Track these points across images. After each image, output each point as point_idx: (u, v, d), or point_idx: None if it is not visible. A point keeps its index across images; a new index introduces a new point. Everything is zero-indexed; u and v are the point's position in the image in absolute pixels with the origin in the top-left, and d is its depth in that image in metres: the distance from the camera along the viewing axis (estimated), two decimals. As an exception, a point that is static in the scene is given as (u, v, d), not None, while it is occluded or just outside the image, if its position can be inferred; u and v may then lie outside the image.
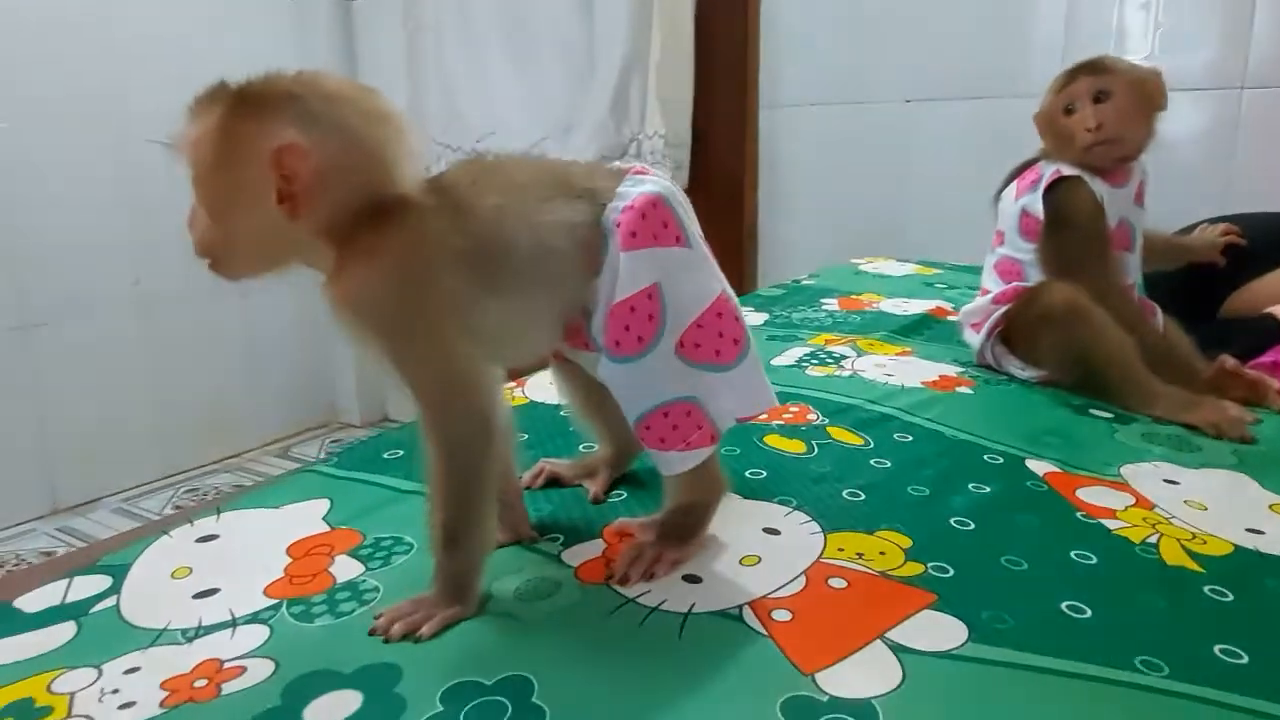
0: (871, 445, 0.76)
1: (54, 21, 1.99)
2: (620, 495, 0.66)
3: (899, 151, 2.00)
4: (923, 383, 0.95)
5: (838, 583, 0.52)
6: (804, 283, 1.54)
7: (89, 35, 2.06)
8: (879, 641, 0.46)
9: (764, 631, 0.47)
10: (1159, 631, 0.49)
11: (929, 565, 0.55)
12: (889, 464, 0.72)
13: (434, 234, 0.48)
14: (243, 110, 0.45)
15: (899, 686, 0.43)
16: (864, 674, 0.43)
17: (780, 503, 0.63)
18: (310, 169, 0.44)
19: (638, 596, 0.50)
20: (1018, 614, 0.50)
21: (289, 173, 0.44)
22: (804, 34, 2.06)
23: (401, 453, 0.76)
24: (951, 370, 1.01)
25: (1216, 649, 0.48)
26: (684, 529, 0.55)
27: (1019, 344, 1.03)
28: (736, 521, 0.59)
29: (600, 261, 0.52)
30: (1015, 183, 1.03)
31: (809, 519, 0.60)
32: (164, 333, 2.26)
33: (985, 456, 0.75)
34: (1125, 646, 0.47)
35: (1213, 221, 1.21)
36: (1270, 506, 0.69)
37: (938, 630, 0.48)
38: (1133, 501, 0.68)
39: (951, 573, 0.54)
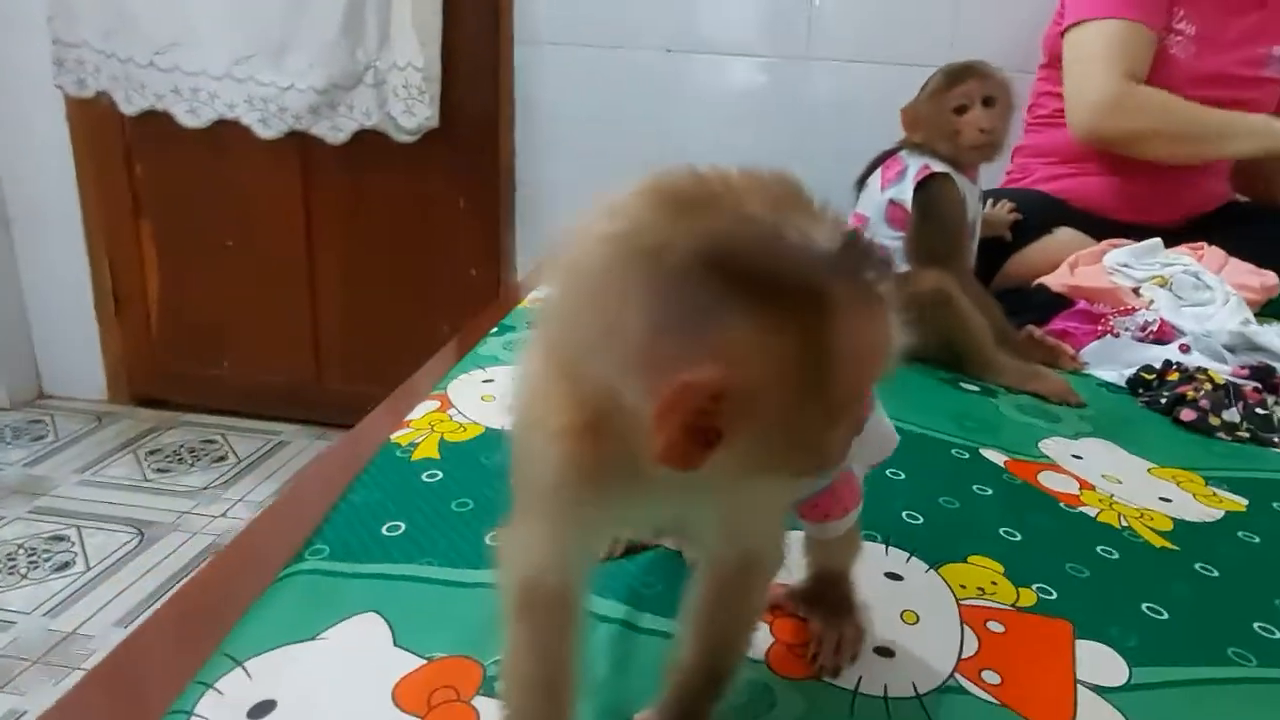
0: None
1: None
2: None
3: (660, 101, 2.02)
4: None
5: (996, 627, 0.55)
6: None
7: None
8: (1080, 687, 0.50)
9: (994, 700, 0.48)
10: (1215, 618, 0.59)
11: (1034, 588, 0.59)
12: (889, 470, 0.76)
13: None
14: None
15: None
16: (1101, 727, 0.47)
17: (867, 538, 0.64)
18: None
19: (857, 687, 0.48)
20: (1128, 627, 0.56)
21: None
22: (561, -33, 1.97)
23: (403, 526, 0.62)
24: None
25: (1255, 625, 0.59)
26: (842, 598, 0.53)
27: None
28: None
29: None
30: (880, 171, 1.11)
31: (908, 554, 0.62)
32: None
33: (953, 451, 0.83)
34: (1213, 642, 0.56)
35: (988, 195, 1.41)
36: (1149, 471, 0.86)
37: (1099, 661, 0.52)
38: (1078, 485, 0.79)
39: (1055, 595, 0.59)
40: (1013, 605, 0.57)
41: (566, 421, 0.32)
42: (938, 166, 1.05)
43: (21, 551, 1.76)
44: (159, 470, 2.11)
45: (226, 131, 2.15)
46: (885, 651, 0.51)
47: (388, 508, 0.65)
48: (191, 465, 2.14)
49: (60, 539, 1.81)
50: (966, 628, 0.54)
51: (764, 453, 0.29)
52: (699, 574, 0.43)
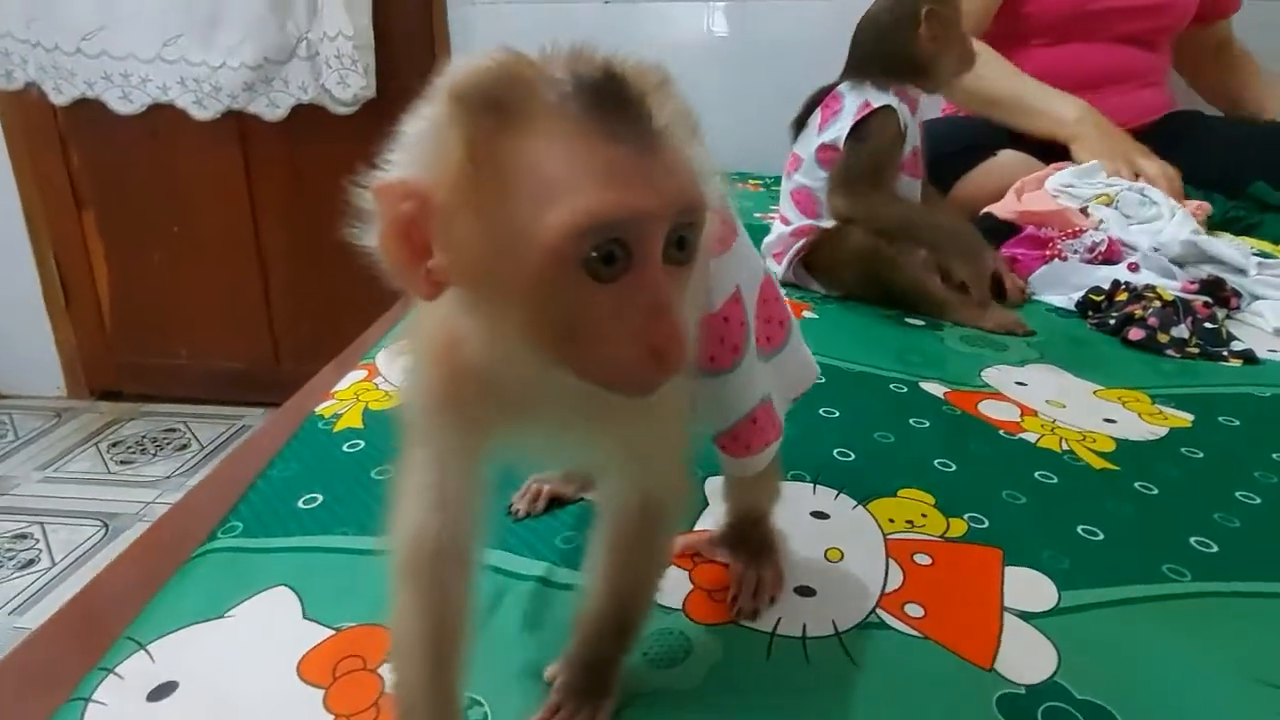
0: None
1: None
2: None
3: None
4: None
5: (922, 559, 0.53)
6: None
7: None
8: (1008, 615, 0.49)
9: (917, 633, 0.47)
10: (1151, 536, 0.58)
11: (965, 518, 0.58)
12: (822, 409, 0.75)
13: None
14: None
15: (1060, 659, 0.46)
16: (1026, 654, 0.46)
17: (794, 478, 0.62)
18: None
19: (775, 628, 0.47)
20: (1060, 549, 0.55)
21: None
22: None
23: (320, 498, 0.60)
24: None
25: (1192, 540, 0.58)
26: (763, 540, 0.52)
27: (820, 272, 1.11)
28: (776, 511, 0.57)
29: None
30: (819, 111, 1.08)
31: (836, 491, 0.61)
32: None
33: (891, 386, 0.81)
34: (1147, 560, 0.55)
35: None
36: (1094, 393, 0.85)
37: (1028, 586, 0.51)
38: (1019, 412, 0.78)
39: (987, 523, 0.58)
40: (941, 536, 0.56)
41: (430, 337, 0.35)
42: (879, 100, 1.02)
43: (-15, 553, 1.74)
44: (122, 462, 2.08)
45: (162, 115, 2.10)
46: (806, 591, 0.50)
47: (306, 480, 0.63)
48: (154, 455, 2.11)
49: (23, 537, 1.79)
50: (892, 561, 0.53)
51: (477, 283, 0.30)
52: (601, 520, 0.41)
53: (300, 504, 0.60)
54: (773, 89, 1.86)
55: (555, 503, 0.59)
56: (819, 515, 0.58)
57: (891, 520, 0.57)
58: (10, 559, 1.72)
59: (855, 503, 0.59)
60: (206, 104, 2.05)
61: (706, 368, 0.45)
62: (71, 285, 2.35)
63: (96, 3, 1.99)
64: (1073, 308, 1.10)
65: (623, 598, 0.42)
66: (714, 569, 0.51)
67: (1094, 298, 1.08)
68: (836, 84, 1.07)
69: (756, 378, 0.48)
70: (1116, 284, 1.08)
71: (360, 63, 1.92)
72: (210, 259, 2.26)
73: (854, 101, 1.03)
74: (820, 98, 1.08)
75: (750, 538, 0.51)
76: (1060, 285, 1.14)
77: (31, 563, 1.70)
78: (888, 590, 0.50)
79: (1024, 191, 1.33)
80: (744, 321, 0.46)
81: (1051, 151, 1.38)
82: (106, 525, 1.82)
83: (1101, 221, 1.22)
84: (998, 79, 1.39)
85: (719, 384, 0.46)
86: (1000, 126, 1.43)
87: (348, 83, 1.94)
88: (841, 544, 0.54)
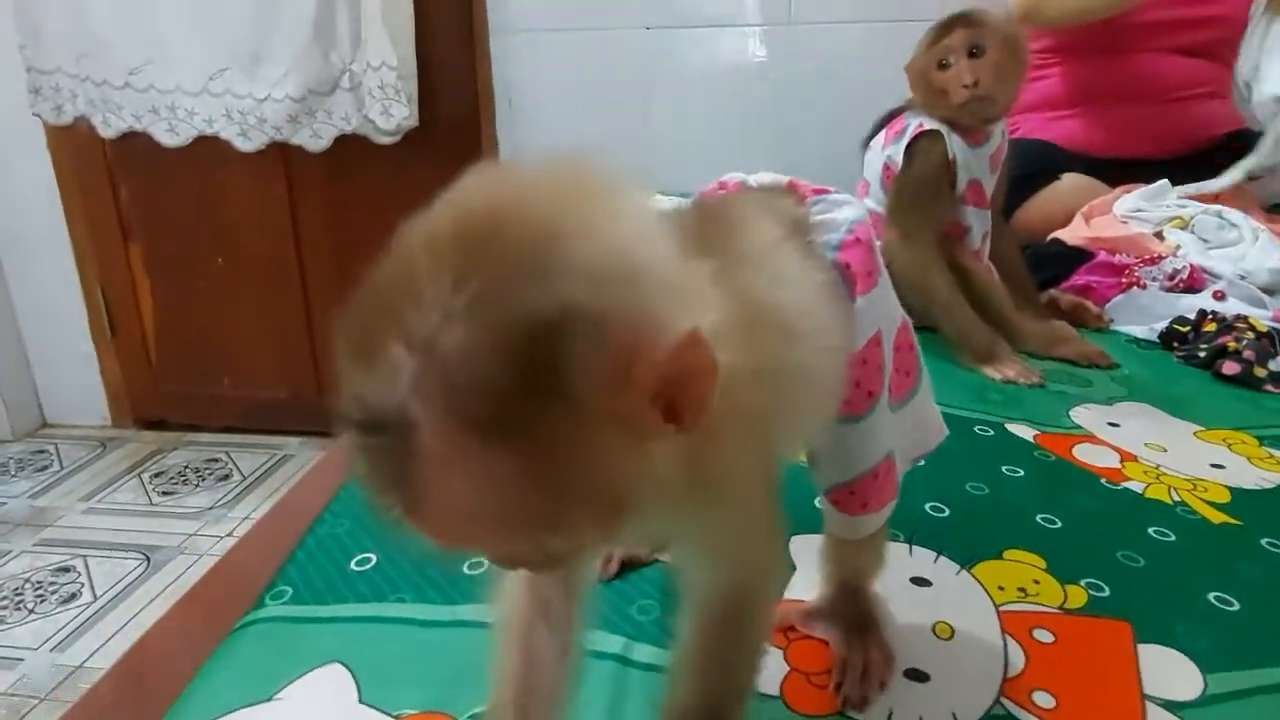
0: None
1: None
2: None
3: (644, 81, 1.95)
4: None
5: (1044, 636, 0.48)
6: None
7: None
8: (1150, 704, 0.43)
9: (1048, 727, 0.41)
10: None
11: (1083, 584, 0.53)
12: (908, 457, 0.69)
13: None
14: None
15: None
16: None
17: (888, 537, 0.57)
18: None
19: (886, 720, 0.42)
20: (1194, 623, 0.49)
21: None
22: (534, -46, 1.91)
23: (374, 559, 0.56)
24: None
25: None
26: (867, 614, 0.47)
27: None
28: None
29: None
30: (884, 132, 1.03)
31: (935, 553, 0.55)
32: None
33: (976, 429, 0.76)
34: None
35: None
36: (1196, 435, 0.78)
37: (1167, 668, 0.46)
38: (1118, 457, 0.72)
39: (1107, 591, 0.52)
40: (1060, 607, 0.50)
41: None
42: (930, 124, 0.97)
43: (28, 586, 1.73)
44: (164, 493, 2.07)
45: (207, 147, 2.11)
46: (918, 675, 0.45)
47: (358, 538, 0.59)
48: (196, 486, 2.10)
49: (67, 570, 1.78)
50: (1010, 639, 0.47)
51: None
52: (688, 601, 0.37)
53: (353, 565, 0.55)
54: (815, 113, 1.82)
55: (628, 566, 0.54)
56: (920, 582, 0.53)
57: (1001, 588, 0.52)
58: (54, 592, 1.71)
59: (958, 567, 0.54)
60: (251, 135, 2.05)
61: (840, 413, 0.41)
62: (117, 316, 2.36)
63: (145, 38, 2.00)
64: (1155, 339, 1.03)
65: (715, 688, 0.37)
66: (812, 646, 0.46)
67: (1179, 328, 1.01)
68: (903, 109, 1.02)
69: (885, 428, 0.43)
70: (1203, 314, 1.02)
71: (403, 92, 1.91)
72: (254, 289, 2.26)
73: (914, 123, 0.98)
74: (887, 120, 1.03)
75: (852, 610, 0.46)
76: (1141, 315, 1.08)
77: (74, 597, 1.69)
78: (1010, 675, 0.45)
79: (1092, 216, 1.27)
80: (881, 366, 0.42)
81: (1118, 175, 1.32)
82: (148, 558, 1.80)
83: (1179, 247, 1.16)
84: None
85: (848, 431, 0.42)
86: (1066, 151, 1.37)
87: (391, 113, 1.93)
88: (950, 617, 0.49)
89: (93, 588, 1.72)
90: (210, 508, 2.00)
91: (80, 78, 2.06)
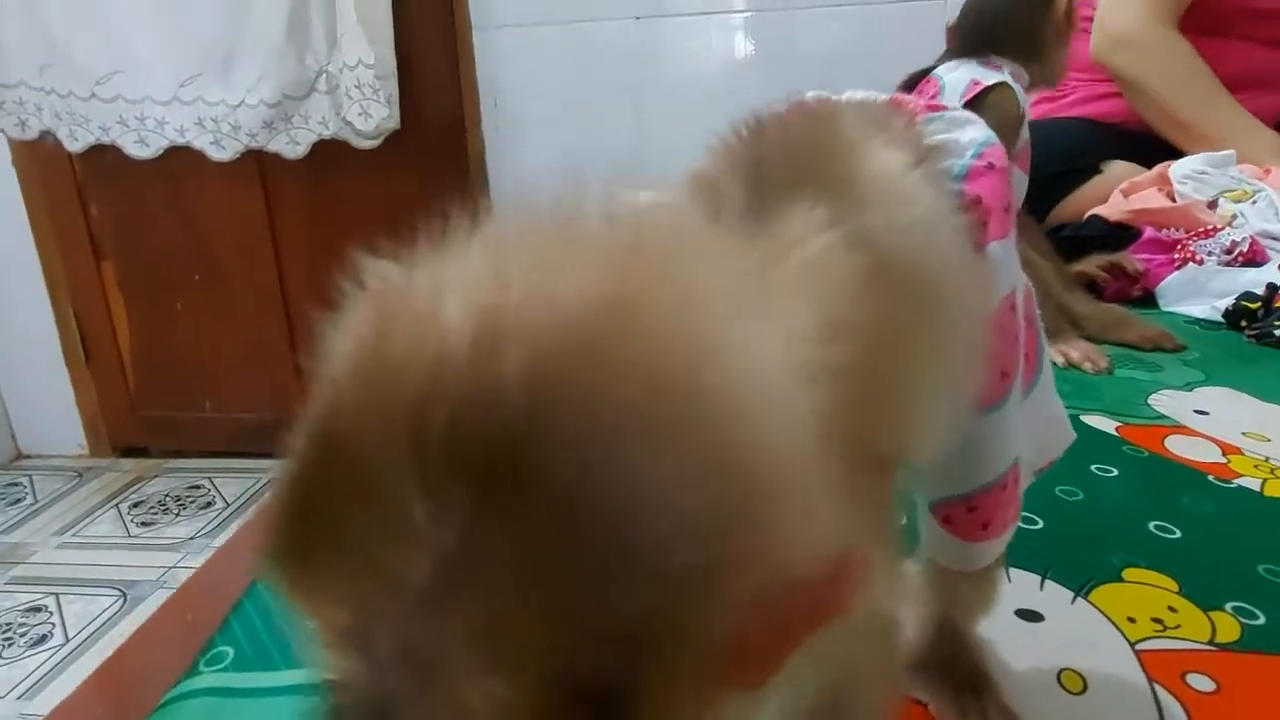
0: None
1: None
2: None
3: (634, 74, 1.86)
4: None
5: (1202, 684, 0.37)
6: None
7: None
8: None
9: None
10: None
11: (1229, 610, 0.42)
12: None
13: None
14: None
15: None
16: None
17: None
18: None
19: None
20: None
21: None
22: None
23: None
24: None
25: None
26: (975, 668, 0.36)
27: None
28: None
29: None
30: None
31: (1040, 576, 0.45)
32: None
33: (1050, 424, 0.65)
34: None
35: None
36: (1292, 420, 0.68)
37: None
38: (1219, 450, 0.62)
39: (1262, 619, 0.42)
40: (1211, 643, 0.40)
41: None
42: (990, 78, 0.86)
43: (-4, 628, 1.62)
44: (143, 524, 1.96)
45: (179, 158, 2.01)
46: (1052, 742, 0.34)
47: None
48: (177, 515, 1.99)
49: (38, 609, 1.67)
50: (1159, 689, 0.37)
51: None
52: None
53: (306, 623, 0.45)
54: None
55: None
56: (1029, 615, 0.42)
57: (1132, 620, 0.41)
58: (23, 635, 1.60)
59: (1072, 593, 0.43)
60: (225, 144, 1.95)
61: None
62: (92, 339, 2.25)
63: (111, 47, 1.90)
64: (1219, 318, 0.93)
65: None
66: (910, 711, 0.35)
67: (1248, 305, 0.91)
68: (931, 68, 0.92)
69: (1015, 425, 0.32)
70: (1273, 288, 0.91)
71: (382, 92, 1.81)
72: (233, 306, 2.15)
73: (958, 80, 0.87)
74: (914, 83, 0.93)
75: (956, 665, 0.35)
76: (1199, 293, 0.98)
77: (44, 639, 1.58)
78: (1171, 740, 0.34)
79: (1131, 192, 1.17)
80: (1016, 337, 0.31)
81: (1164, 156, 1.20)
82: (125, 594, 1.69)
83: (1235, 217, 1.06)
84: (1188, 94, 1.19)
85: (974, 428, 0.31)
86: (1106, 126, 1.26)
87: (370, 114, 1.83)
88: (1077, 662, 0.38)
89: (65, 629, 1.61)
90: (192, 538, 1.89)
91: (44, 90, 1.96)
